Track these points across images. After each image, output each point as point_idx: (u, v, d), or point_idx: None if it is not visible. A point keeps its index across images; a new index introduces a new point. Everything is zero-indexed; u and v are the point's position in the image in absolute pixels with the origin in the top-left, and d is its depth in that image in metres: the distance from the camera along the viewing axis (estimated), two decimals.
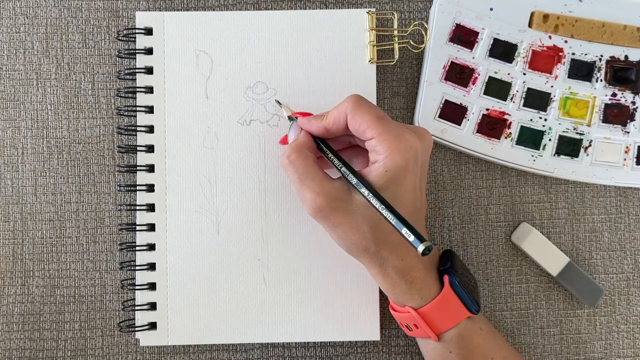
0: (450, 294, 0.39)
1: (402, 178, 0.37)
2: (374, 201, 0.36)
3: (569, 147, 0.46)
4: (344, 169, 0.38)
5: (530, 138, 0.46)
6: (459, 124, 0.46)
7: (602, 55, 0.46)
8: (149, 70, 0.45)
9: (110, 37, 0.47)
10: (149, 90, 0.45)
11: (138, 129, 0.45)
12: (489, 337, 0.40)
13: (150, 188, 0.45)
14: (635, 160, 0.46)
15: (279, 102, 0.45)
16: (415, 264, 0.39)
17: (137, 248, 0.45)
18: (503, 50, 0.46)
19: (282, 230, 0.45)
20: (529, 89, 0.46)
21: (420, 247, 0.33)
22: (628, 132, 0.46)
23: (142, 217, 0.45)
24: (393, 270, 0.38)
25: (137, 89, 0.45)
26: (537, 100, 0.46)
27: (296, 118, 0.42)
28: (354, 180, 0.37)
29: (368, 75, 0.45)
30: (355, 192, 0.37)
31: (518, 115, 0.46)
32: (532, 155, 0.46)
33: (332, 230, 0.38)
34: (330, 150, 0.40)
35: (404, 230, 0.34)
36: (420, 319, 0.39)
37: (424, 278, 0.39)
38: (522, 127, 0.46)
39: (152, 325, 0.44)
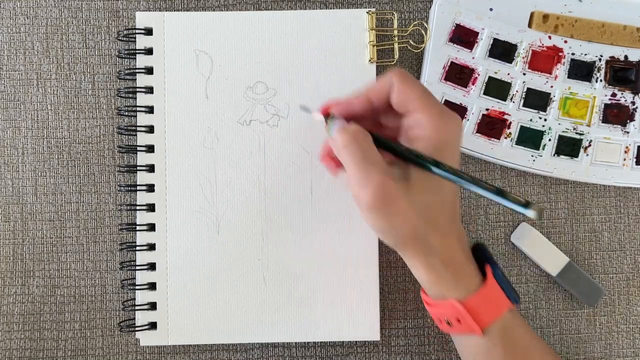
0: (494, 284, 0.37)
1: (451, 155, 0.36)
2: (455, 178, 0.34)
3: (569, 147, 0.46)
4: (409, 148, 0.36)
5: (530, 138, 0.46)
6: None
7: (601, 56, 0.46)
8: (149, 71, 0.45)
9: (111, 37, 0.47)
10: (149, 90, 0.45)
11: (138, 129, 0.45)
12: (528, 332, 0.39)
13: (151, 188, 0.45)
14: (634, 160, 0.46)
15: (306, 109, 0.41)
16: (458, 253, 0.37)
17: (137, 248, 0.45)
18: (503, 51, 0.46)
19: (282, 230, 0.45)
20: (528, 89, 0.46)
21: (531, 212, 0.31)
22: (628, 132, 0.46)
23: (142, 217, 0.45)
24: (438, 260, 0.36)
25: (137, 89, 0.45)
26: (536, 100, 0.46)
27: (332, 116, 0.38)
28: (430, 160, 0.35)
29: (368, 75, 0.45)
30: (412, 175, 0.36)
31: (518, 115, 0.46)
32: (532, 155, 0.46)
33: (386, 219, 0.36)
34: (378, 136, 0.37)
35: (505, 202, 0.33)
36: (465, 312, 0.36)
37: (467, 268, 0.37)
38: (521, 127, 0.46)
39: (152, 325, 0.45)
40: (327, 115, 0.38)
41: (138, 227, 0.45)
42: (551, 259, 0.46)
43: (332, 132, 0.37)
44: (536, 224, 0.47)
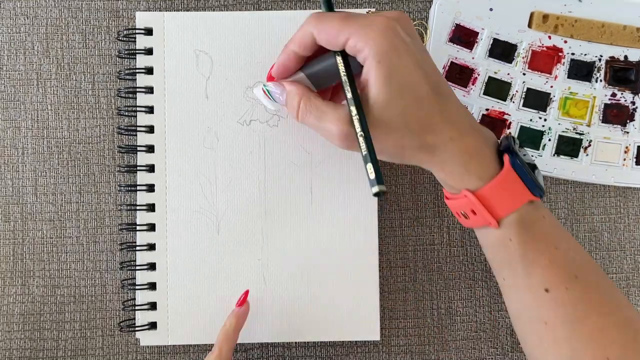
0: (512, 173, 0.35)
1: (398, 59, 0.34)
2: (357, 125, 0.34)
3: (569, 147, 0.46)
4: (345, 78, 0.36)
5: (530, 138, 0.46)
6: None
7: (601, 56, 0.46)
8: (149, 71, 0.45)
9: (111, 37, 0.47)
10: (149, 90, 0.45)
11: (138, 129, 0.45)
12: (553, 227, 0.37)
13: (151, 188, 0.45)
14: (634, 160, 0.46)
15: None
16: (466, 143, 0.36)
17: (138, 248, 0.45)
18: (503, 51, 0.46)
19: (282, 230, 0.45)
20: (528, 89, 0.46)
21: (375, 189, 0.33)
22: (628, 132, 0.46)
23: (142, 217, 0.45)
24: (441, 157, 0.36)
25: (137, 89, 0.45)
26: (536, 100, 0.46)
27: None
28: (349, 96, 0.35)
29: None
30: (369, 100, 0.35)
31: (518, 115, 0.46)
32: (532, 155, 0.46)
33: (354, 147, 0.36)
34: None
35: (369, 166, 0.33)
36: (477, 202, 0.35)
37: (480, 158, 0.36)
38: (521, 127, 0.46)
39: (152, 325, 0.45)
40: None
41: (138, 227, 0.45)
42: None
43: (275, 98, 0.39)
44: None
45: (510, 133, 0.37)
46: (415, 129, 0.35)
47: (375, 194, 0.33)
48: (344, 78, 0.36)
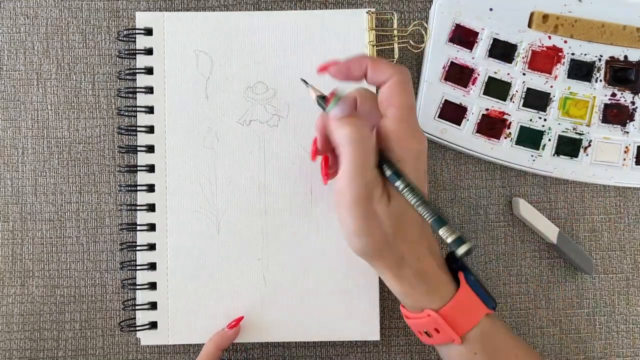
0: (468, 290, 0.37)
1: (422, 161, 0.36)
2: (409, 196, 0.35)
3: (569, 147, 0.46)
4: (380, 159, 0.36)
5: (530, 138, 0.46)
6: (459, 124, 0.46)
7: (601, 56, 0.46)
8: (149, 71, 0.45)
9: (111, 37, 0.47)
10: (149, 90, 0.45)
11: (138, 129, 0.45)
12: (509, 337, 0.39)
13: (151, 188, 0.45)
14: (634, 160, 0.46)
15: (305, 81, 0.40)
16: (430, 263, 0.37)
17: (138, 248, 0.45)
18: (503, 51, 0.46)
19: (282, 230, 0.45)
20: (528, 89, 0.46)
21: (462, 249, 0.32)
22: (627, 132, 0.46)
23: (142, 217, 0.45)
24: (410, 271, 0.37)
25: (137, 89, 0.45)
26: (536, 100, 0.46)
27: (338, 97, 0.36)
28: (389, 173, 0.35)
29: None
30: (387, 185, 0.36)
31: (518, 115, 0.46)
32: (532, 155, 0.46)
33: (364, 220, 0.35)
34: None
35: (442, 231, 0.33)
36: (442, 321, 0.37)
37: (440, 278, 0.37)
38: (521, 127, 0.46)
39: (153, 325, 0.45)
40: (328, 96, 0.37)
41: (138, 227, 0.45)
42: (546, 229, 0.46)
43: (332, 112, 0.36)
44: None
45: (459, 236, 0.37)
46: (400, 237, 0.36)
47: (465, 254, 0.32)
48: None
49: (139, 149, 0.45)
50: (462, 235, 0.33)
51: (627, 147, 0.46)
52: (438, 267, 0.37)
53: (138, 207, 0.45)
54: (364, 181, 0.35)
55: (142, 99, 0.45)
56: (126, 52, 0.46)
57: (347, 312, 0.44)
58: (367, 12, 0.45)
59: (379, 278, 0.45)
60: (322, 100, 0.38)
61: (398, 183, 0.35)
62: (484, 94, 0.46)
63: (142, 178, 0.45)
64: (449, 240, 0.33)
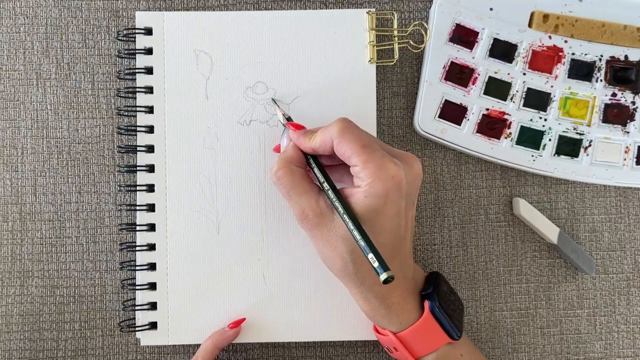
0: (430, 319, 0.39)
1: (382, 206, 0.37)
2: (348, 222, 0.36)
3: (569, 147, 0.46)
4: (325, 185, 0.39)
5: (530, 138, 0.46)
6: (459, 124, 0.46)
7: (602, 55, 0.46)
8: (149, 70, 0.45)
9: (110, 37, 0.47)
10: (149, 90, 0.45)
11: (138, 129, 0.45)
12: None
13: (151, 188, 0.45)
14: (635, 160, 0.46)
15: (274, 101, 0.44)
16: (394, 288, 0.39)
17: (138, 248, 0.45)
18: (503, 50, 0.46)
19: (282, 230, 0.45)
20: (529, 89, 0.46)
21: (383, 276, 0.34)
22: (628, 132, 0.46)
23: (142, 217, 0.45)
24: (372, 294, 0.39)
25: (137, 89, 0.45)
26: (537, 100, 0.46)
27: (287, 128, 0.42)
28: (333, 199, 0.38)
29: (368, 75, 0.45)
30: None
31: (518, 115, 0.46)
32: (532, 155, 0.46)
33: (315, 245, 0.39)
34: (317, 165, 0.40)
35: (370, 256, 0.35)
36: (399, 343, 0.39)
37: (403, 303, 0.39)
38: (522, 127, 0.46)
39: (153, 325, 0.44)
40: (287, 125, 0.42)
41: (138, 227, 0.45)
42: (547, 229, 0.46)
43: (282, 139, 0.42)
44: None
45: (437, 272, 0.43)
46: (358, 264, 0.38)
47: (384, 282, 0.34)
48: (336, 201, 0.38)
49: (138, 149, 0.45)
50: (385, 263, 0.34)
51: (627, 147, 0.46)
52: (403, 293, 0.39)
53: (138, 207, 0.45)
54: (299, 206, 0.38)
55: (141, 99, 0.45)
56: (126, 52, 0.46)
57: (348, 312, 0.44)
58: (367, 12, 0.45)
59: None
60: (289, 120, 0.43)
61: (339, 209, 0.37)
62: (484, 93, 0.46)
63: (142, 178, 0.45)
64: (375, 265, 0.35)
